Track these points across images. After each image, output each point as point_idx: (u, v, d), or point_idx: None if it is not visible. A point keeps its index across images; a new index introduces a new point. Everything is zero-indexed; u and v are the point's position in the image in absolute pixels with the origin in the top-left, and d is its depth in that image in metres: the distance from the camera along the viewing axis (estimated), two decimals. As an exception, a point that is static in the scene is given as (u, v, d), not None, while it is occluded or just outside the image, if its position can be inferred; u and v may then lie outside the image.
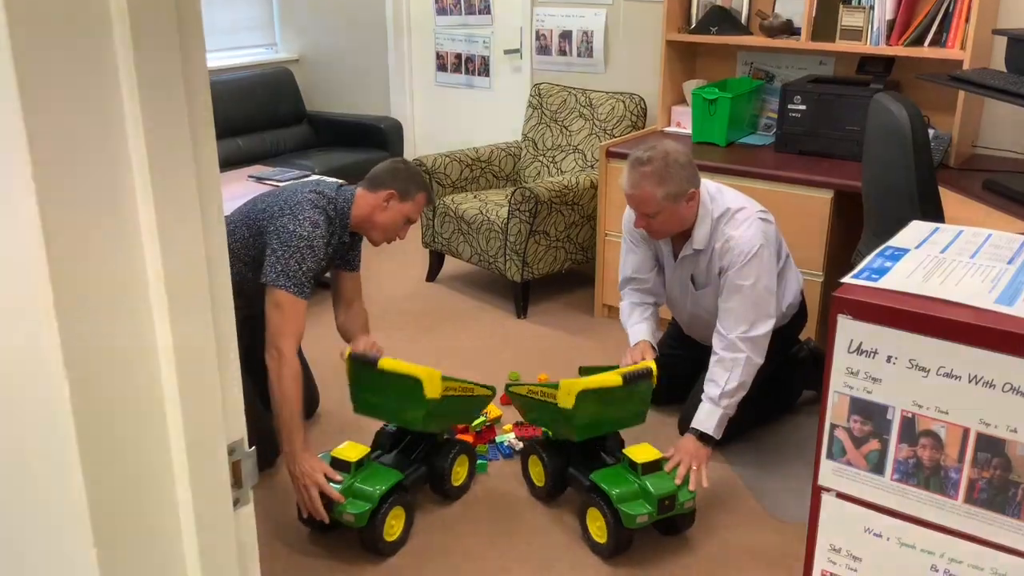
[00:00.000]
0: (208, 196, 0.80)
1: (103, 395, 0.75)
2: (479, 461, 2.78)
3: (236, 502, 0.86)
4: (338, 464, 2.40)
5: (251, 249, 2.59)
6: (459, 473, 2.66)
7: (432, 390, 2.41)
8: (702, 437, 2.52)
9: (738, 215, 2.61)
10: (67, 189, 0.70)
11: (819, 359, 3.14)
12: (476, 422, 2.95)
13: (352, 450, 2.45)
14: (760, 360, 2.57)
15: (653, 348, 2.75)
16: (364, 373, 2.50)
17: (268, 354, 2.42)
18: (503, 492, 2.72)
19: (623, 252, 2.93)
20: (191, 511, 0.82)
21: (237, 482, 0.86)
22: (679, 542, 2.47)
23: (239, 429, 0.85)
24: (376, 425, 2.76)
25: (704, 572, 2.37)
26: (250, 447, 0.90)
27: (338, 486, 2.35)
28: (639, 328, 2.82)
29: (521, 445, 2.87)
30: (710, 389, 2.56)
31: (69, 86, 0.69)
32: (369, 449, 2.49)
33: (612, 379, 2.41)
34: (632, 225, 2.74)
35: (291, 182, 2.82)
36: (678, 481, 2.38)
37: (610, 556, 2.38)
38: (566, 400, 2.38)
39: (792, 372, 3.12)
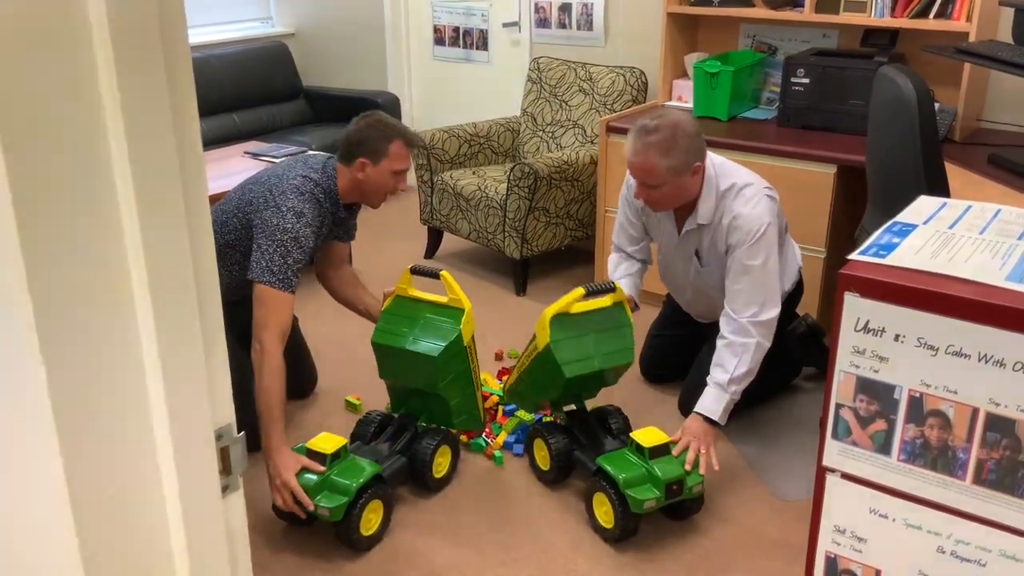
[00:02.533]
0: (191, 173, 0.76)
1: (81, 381, 0.71)
2: (495, 454, 2.74)
3: (225, 489, 0.83)
4: (313, 456, 2.32)
5: (244, 241, 2.56)
6: (441, 464, 2.59)
7: (468, 330, 2.47)
8: (707, 419, 2.49)
9: (746, 191, 2.54)
10: (42, 170, 0.67)
11: (817, 334, 3.12)
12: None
13: (327, 442, 2.35)
14: (769, 344, 2.51)
15: (635, 301, 2.77)
16: (405, 308, 2.55)
17: (252, 347, 2.38)
18: (507, 476, 2.70)
19: (617, 220, 2.90)
20: (177, 499, 0.79)
21: (225, 468, 0.83)
22: (680, 522, 2.46)
23: (227, 414, 0.82)
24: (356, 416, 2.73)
25: (706, 552, 2.36)
26: (241, 430, 0.87)
27: (317, 477, 2.28)
28: (623, 283, 2.79)
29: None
30: (717, 374, 2.50)
31: (41, 67, 0.66)
32: (347, 441, 2.40)
33: (575, 293, 2.43)
34: (631, 195, 2.69)
35: (284, 159, 2.75)
36: (688, 466, 2.34)
37: (617, 541, 2.36)
38: (543, 336, 2.39)
39: (791, 348, 3.09)
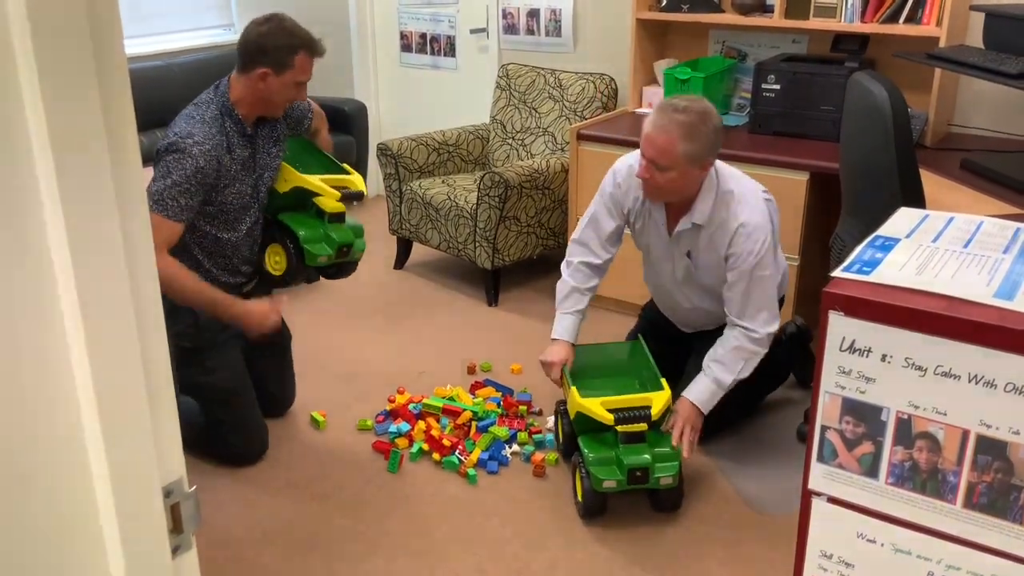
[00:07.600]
0: (129, 202, 0.69)
1: (10, 440, 0.64)
2: (469, 472, 2.66)
3: (176, 549, 0.76)
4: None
5: None
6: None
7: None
8: (695, 405, 2.56)
9: (748, 197, 2.49)
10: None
11: (805, 338, 3.10)
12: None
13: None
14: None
15: (572, 347, 2.70)
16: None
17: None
18: (481, 495, 2.64)
19: (591, 215, 2.70)
20: (122, 563, 0.72)
21: (176, 527, 0.76)
22: (658, 535, 2.42)
23: (176, 468, 0.75)
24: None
25: (684, 568, 2.31)
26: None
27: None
28: (567, 321, 2.71)
29: (514, 448, 2.82)
30: (720, 372, 2.53)
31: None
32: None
33: (606, 417, 2.44)
34: (615, 190, 2.62)
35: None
36: (675, 442, 2.44)
37: (583, 516, 2.48)
38: (571, 408, 2.54)
39: (778, 357, 3.03)
